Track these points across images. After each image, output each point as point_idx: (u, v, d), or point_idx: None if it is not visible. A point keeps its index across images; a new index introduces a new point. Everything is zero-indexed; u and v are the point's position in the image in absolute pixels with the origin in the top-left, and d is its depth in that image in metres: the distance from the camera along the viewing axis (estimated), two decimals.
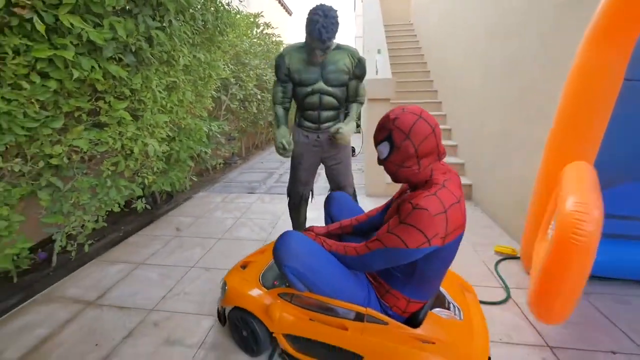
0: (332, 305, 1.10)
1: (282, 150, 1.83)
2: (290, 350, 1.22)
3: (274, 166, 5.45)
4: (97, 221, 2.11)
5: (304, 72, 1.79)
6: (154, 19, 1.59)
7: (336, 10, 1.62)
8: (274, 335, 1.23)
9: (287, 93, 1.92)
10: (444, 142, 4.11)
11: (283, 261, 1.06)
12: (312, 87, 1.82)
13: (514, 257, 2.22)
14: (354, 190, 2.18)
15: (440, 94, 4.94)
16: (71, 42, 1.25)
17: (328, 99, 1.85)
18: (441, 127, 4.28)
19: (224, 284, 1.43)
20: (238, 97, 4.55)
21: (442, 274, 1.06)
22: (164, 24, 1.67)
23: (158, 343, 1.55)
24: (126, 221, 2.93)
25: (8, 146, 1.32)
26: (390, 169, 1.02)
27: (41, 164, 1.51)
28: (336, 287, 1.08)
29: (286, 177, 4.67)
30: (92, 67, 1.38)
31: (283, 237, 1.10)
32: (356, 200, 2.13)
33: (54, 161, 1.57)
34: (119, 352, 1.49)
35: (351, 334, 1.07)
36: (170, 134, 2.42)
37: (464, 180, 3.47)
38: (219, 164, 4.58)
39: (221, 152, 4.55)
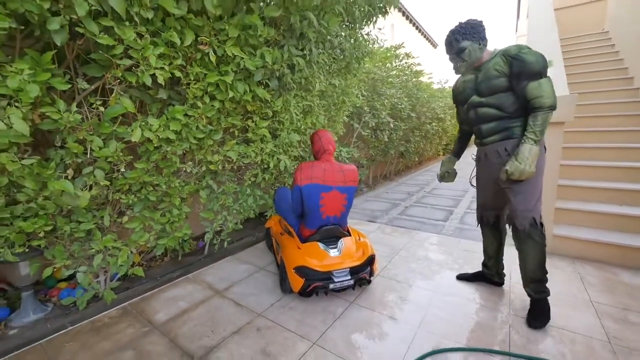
0: (286, 227, 2.20)
1: (439, 179, 2.15)
2: (275, 247, 2.41)
3: (400, 197, 5.13)
4: (236, 223, 2.48)
5: (462, 92, 1.85)
6: (296, 48, 1.81)
7: (453, 30, 1.72)
8: (272, 237, 2.56)
9: (459, 116, 1.99)
10: None
11: (273, 197, 2.43)
12: (467, 104, 1.83)
13: None
14: (534, 220, 1.67)
15: None
16: (231, 69, 1.56)
17: (483, 111, 1.74)
18: None
19: (268, 215, 3.00)
20: (370, 125, 4.63)
21: (313, 213, 1.98)
22: (305, 52, 1.87)
23: (256, 350, 1.57)
24: (260, 229, 3.35)
25: (185, 151, 1.74)
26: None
27: (204, 168, 1.91)
28: (283, 212, 2.12)
29: (412, 211, 4.28)
30: (245, 90, 1.67)
31: (278, 188, 2.24)
32: (536, 236, 1.66)
33: (212, 167, 1.96)
34: (224, 346, 1.59)
35: (283, 237, 2.17)
36: (302, 153, 2.65)
37: None
38: None
39: None
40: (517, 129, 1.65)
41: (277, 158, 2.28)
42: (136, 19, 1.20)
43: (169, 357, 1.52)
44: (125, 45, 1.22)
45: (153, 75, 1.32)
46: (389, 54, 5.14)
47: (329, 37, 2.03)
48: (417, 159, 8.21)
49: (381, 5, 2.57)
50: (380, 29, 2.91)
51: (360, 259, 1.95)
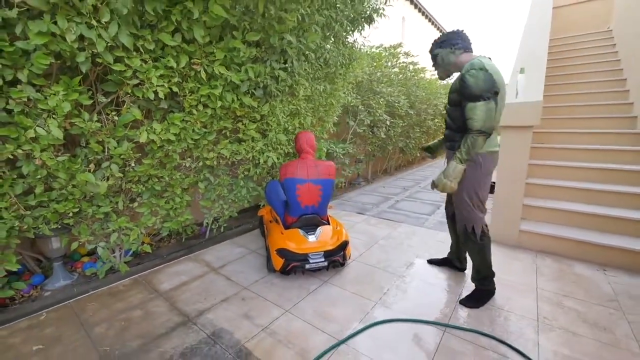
0: (275, 216, 2.53)
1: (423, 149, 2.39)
2: (265, 233, 2.70)
3: (395, 191, 5.38)
4: (232, 212, 2.84)
5: None
6: (278, 62, 2.11)
7: (437, 40, 1.92)
8: (263, 224, 2.91)
9: None
10: None
11: (264, 188, 2.68)
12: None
13: None
14: (464, 228, 1.90)
15: None
16: (220, 84, 1.88)
17: (445, 117, 1.95)
18: None
19: (262, 205, 3.40)
20: (366, 123, 4.87)
21: (293, 203, 2.30)
22: (287, 65, 2.16)
23: (239, 314, 1.92)
24: (256, 218, 3.71)
25: (184, 150, 2.08)
26: None
27: (201, 163, 2.26)
28: (272, 202, 2.44)
29: (401, 205, 4.53)
30: (233, 99, 1.98)
31: (269, 182, 2.57)
32: (472, 240, 1.89)
33: (208, 162, 2.31)
34: (214, 310, 1.96)
35: (271, 224, 2.54)
36: (291, 150, 2.96)
37: None
38: (342, 183, 4.98)
39: (345, 172, 4.93)
40: (458, 143, 1.82)
41: (267, 155, 2.60)
42: (141, 49, 1.54)
43: (168, 316, 1.90)
44: (133, 69, 1.56)
45: (155, 91, 1.66)
46: (384, 54, 5.31)
47: (307, 52, 2.31)
48: (419, 155, 8.36)
49: (366, 15, 2.81)
50: (365, 37, 3.14)
51: (334, 244, 2.26)
